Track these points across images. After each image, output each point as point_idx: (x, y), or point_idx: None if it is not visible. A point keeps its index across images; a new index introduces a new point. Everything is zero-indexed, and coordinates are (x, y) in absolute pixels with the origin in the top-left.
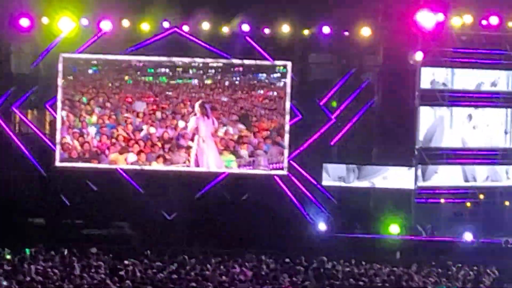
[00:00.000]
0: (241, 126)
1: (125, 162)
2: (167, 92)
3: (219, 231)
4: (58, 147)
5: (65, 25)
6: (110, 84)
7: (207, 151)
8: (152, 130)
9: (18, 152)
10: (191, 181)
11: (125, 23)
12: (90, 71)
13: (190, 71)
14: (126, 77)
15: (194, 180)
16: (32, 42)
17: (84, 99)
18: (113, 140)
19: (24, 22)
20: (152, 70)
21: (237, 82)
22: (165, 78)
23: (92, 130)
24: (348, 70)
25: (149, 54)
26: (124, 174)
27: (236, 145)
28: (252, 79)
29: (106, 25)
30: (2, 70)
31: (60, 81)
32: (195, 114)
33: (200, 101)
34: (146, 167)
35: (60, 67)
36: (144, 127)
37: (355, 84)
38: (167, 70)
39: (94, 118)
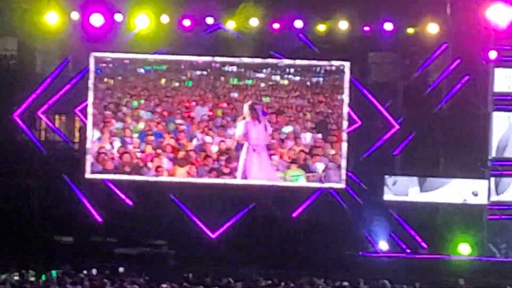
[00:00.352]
0: (317, 136)
1: (186, 175)
2: (231, 94)
3: (269, 250)
4: (88, 157)
5: (97, 20)
6: (165, 86)
7: (258, 162)
8: (208, 139)
9: (44, 162)
10: (238, 195)
11: (164, 19)
12: (141, 71)
13: (264, 71)
14: (184, 77)
15: (240, 193)
16: (60, 40)
17: (135, 103)
18: (159, 151)
19: (51, 17)
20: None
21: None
22: (235, 79)
23: (136, 138)
24: (412, 71)
25: (190, 53)
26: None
27: (308, 157)
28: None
29: (142, 21)
30: (26, 71)
31: (91, 84)
32: (243, 118)
33: (250, 102)
34: (187, 180)
35: (91, 67)
36: (199, 135)
37: (420, 87)
38: (234, 68)
39: (141, 125)
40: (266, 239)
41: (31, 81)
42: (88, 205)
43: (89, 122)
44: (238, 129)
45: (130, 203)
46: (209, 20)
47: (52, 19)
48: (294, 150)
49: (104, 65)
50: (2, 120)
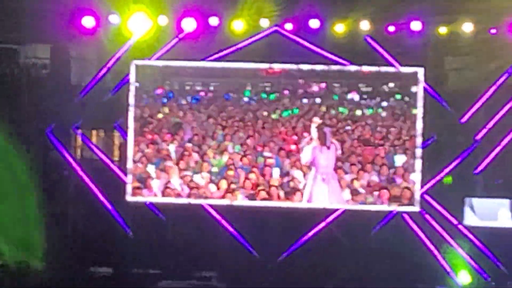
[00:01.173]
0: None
1: None
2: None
3: (333, 283)
4: (129, 177)
5: (139, 24)
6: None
7: (327, 192)
8: (298, 174)
9: (79, 183)
10: (298, 219)
11: (213, 21)
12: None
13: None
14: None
15: (301, 217)
16: (97, 46)
17: (221, 134)
18: (234, 186)
19: (88, 21)
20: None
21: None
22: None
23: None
24: (497, 77)
25: (243, 60)
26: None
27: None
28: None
29: (189, 24)
30: (59, 81)
31: (131, 98)
32: (311, 139)
33: (317, 124)
34: (240, 203)
35: (132, 78)
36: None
37: (507, 95)
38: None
39: (224, 158)
40: (327, 270)
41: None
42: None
43: (130, 138)
44: (304, 155)
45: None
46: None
47: (89, 23)
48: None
49: (202, 94)
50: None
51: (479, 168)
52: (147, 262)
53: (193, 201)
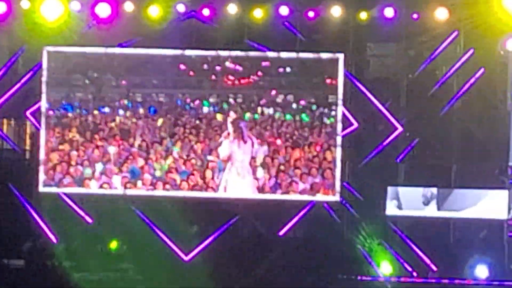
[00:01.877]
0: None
1: None
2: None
3: (251, 275)
4: (42, 168)
5: (51, 10)
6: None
7: (242, 185)
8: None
9: None
10: (216, 211)
11: (128, 7)
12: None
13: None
14: None
15: (219, 209)
16: (8, 33)
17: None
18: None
19: None
20: None
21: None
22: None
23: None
24: (418, 64)
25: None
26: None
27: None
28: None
29: (102, 10)
30: None
31: (44, 82)
32: (226, 136)
33: (232, 118)
34: (158, 193)
35: (44, 63)
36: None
37: (428, 83)
38: None
39: (168, 162)
40: (248, 262)
41: None
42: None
43: (43, 126)
44: (222, 150)
45: (90, 220)
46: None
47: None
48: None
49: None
50: None
51: (401, 157)
52: (62, 254)
53: (107, 191)
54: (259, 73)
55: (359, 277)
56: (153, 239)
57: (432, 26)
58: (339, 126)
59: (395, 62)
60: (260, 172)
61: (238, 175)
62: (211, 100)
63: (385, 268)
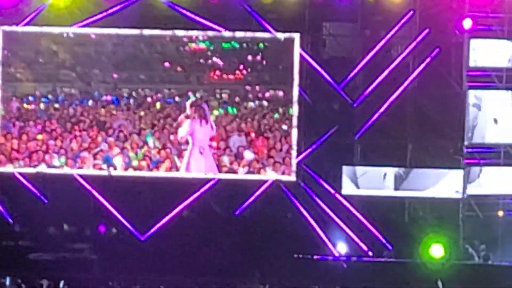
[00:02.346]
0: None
1: None
2: None
3: (208, 255)
4: None
5: None
6: None
7: (203, 163)
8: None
9: None
10: (172, 190)
11: None
12: None
13: None
14: None
15: (175, 189)
16: None
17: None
18: None
19: None
20: None
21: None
22: None
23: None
24: (373, 43)
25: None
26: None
27: None
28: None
29: None
30: None
31: None
32: (187, 117)
33: (192, 100)
34: (113, 173)
35: None
36: None
37: (384, 62)
38: None
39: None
40: (203, 242)
41: None
42: None
43: None
44: (182, 129)
45: (46, 200)
46: None
47: None
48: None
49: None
50: None
51: (358, 135)
52: (17, 234)
53: (64, 170)
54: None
55: (315, 257)
56: (109, 219)
57: (388, 6)
58: (295, 106)
59: (351, 41)
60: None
61: (201, 154)
62: (197, 95)
63: (340, 247)
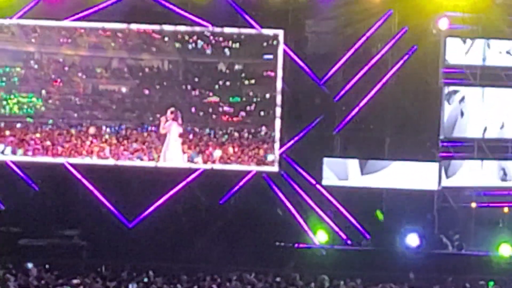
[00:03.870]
0: None
1: None
2: None
3: (193, 242)
4: None
5: None
6: None
7: (176, 148)
8: None
9: None
10: (157, 179)
11: None
12: None
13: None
14: None
15: (161, 178)
16: None
17: None
18: None
19: None
20: None
21: None
22: None
23: None
24: (354, 41)
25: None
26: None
27: None
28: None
29: None
30: None
31: None
32: (166, 120)
33: (172, 108)
34: (101, 162)
35: None
36: None
37: (363, 59)
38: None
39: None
40: (189, 229)
41: None
42: None
43: None
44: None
45: (36, 187)
46: None
47: None
48: None
49: None
50: None
51: (337, 129)
52: (7, 220)
53: (55, 159)
54: None
55: (296, 245)
56: (98, 206)
57: (368, 5)
58: (279, 99)
59: (333, 39)
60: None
61: (175, 141)
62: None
63: (320, 236)
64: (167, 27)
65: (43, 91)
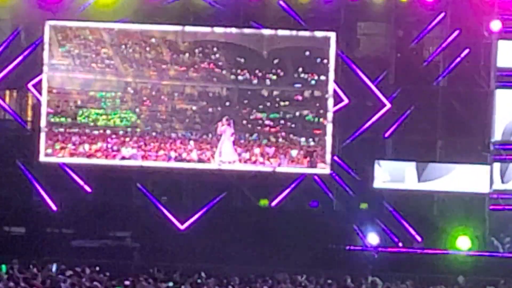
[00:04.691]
0: None
1: None
2: None
3: (244, 244)
4: (42, 137)
5: None
6: None
7: (230, 146)
8: None
9: None
10: (209, 181)
11: None
12: None
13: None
14: None
15: (213, 180)
16: (12, 8)
17: None
18: None
19: None
20: None
21: None
22: None
23: None
24: (406, 43)
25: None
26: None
27: None
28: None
29: None
30: None
31: (46, 55)
32: (222, 125)
33: (226, 117)
34: (153, 164)
35: (46, 38)
36: None
37: (416, 61)
38: None
39: None
40: (241, 232)
41: None
42: (42, 192)
43: (44, 98)
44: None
45: (89, 190)
46: None
47: None
48: None
49: None
50: None
51: (389, 132)
52: (60, 222)
53: (104, 161)
54: None
55: (347, 247)
56: (150, 208)
57: (420, 7)
58: (331, 102)
59: (384, 41)
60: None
61: (228, 140)
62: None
63: (372, 238)
64: (218, 29)
65: (137, 109)
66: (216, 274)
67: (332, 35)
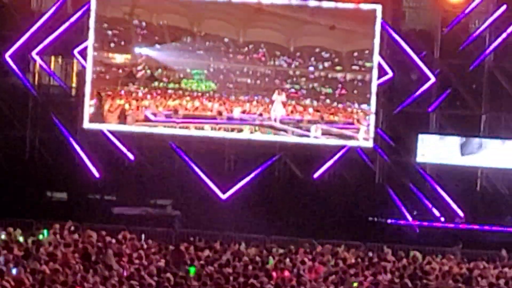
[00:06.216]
0: None
1: None
2: None
3: (285, 215)
4: (87, 103)
5: None
6: None
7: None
8: None
9: (37, 109)
10: (252, 152)
11: None
12: None
13: None
14: None
15: (256, 151)
16: None
17: None
18: None
19: None
20: None
21: None
22: None
23: None
24: (453, 17)
25: None
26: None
27: None
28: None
29: None
30: (20, 8)
31: (92, 23)
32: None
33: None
34: (196, 134)
35: (93, 5)
36: None
37: (462, 35)
38: None
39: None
40: (282, 203)
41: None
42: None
43: (89, 65)
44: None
45: (132, 157)
46: None
47: None
48: None
49: None
50: None
51: (433, 106)
52: (102, 188)
53: (149, 129)
54: None
55: (388, 221)
56: (192, 177)
57: None
58: (375, 74)
59: (430, 15)
60: None
61: (278, 104)
62: None
63: (414, 212)
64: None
65: (216, 81)
66: (257, 244)
67: (378, 7)
